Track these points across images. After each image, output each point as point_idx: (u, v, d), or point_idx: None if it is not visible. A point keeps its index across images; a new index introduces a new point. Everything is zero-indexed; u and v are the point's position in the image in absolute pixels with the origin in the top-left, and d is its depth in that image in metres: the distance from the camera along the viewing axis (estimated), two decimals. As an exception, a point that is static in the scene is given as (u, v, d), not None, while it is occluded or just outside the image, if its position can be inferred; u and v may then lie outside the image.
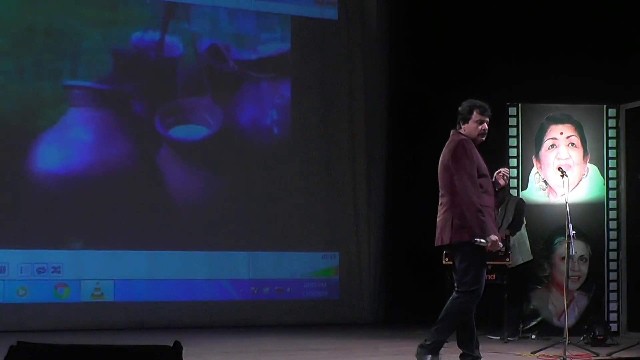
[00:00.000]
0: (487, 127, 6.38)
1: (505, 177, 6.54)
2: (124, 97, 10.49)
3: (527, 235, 9.47)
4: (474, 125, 6.35)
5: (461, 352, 6.38)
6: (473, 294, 6.24)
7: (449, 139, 6.43)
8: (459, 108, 6.44)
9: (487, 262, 8.78)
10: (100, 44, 10.38)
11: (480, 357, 6.40)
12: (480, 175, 6.26)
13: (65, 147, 10.17)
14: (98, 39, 10.37)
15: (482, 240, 6.14)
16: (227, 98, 10.98)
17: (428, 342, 6.28)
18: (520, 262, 9.37)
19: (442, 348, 6.41)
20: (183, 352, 3.81)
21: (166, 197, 10.63)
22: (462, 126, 6.39)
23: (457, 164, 6.23)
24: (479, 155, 6.37)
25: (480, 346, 6.47)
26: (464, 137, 6.35)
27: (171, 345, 3.79)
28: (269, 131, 11.19)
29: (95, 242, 10.19)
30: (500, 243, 6.23)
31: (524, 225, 9.42)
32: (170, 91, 10.74)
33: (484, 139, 6.41)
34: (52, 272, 10.02)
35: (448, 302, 6.31)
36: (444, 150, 6.40)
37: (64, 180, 10.12)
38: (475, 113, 6.35)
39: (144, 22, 10.64)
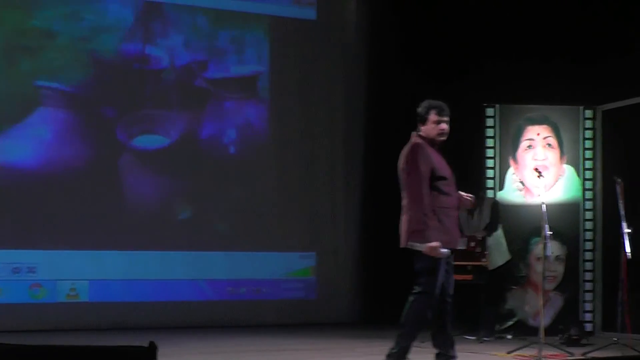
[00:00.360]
0: (445, 126, 6.37)
1: (472, 202, 6.56)
2: (95, 102, 10.45)
3: (503, 235, 9.50)
4: (432, 126, 6.36)
5: (436, 351, 6.40)
6: (425, 295, 6.25)
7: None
8: (417, 109, 6.45)
9: (465, 263, 8.91)
10: (81, 48, 10.34)
11: (455, 357, 6.41)
12: (438, 177, 6.25)
13: (34, 143, 10.10)
14: (79, 43, 10.34)
15: (416, 244, 6.17)
16: (192, 113, 10.91)
17: (394, 350, 6.31)
18: (500, 263, 9.40)
19: (420, 347, 6.41)
20: (158, 352, 3.79)
21: (141, 199, 10.57)
22: (421, 128, 6.41)
23: (408, 169, 6.28)
24: (438, 156, 6.35)
25: (456, 346, 6.47)
26: (419, 140, 6.37)
27: (146, 345, 3.78)
28: (225, 149, 11.07)
29: (70, 243, 10.13)
30: (443, 250, 6.19)
31: (500, 226, 9.46)
32: (138, 101, 10.72)
33: (443, 139, 6.40)
34: (27, 272, 9.96)
35: (406, 306, 6.33)
36: (401, 153, 6.42)
37: (34, 177, 10.03)
38: (432, 114, 6.36)
39: (124, 31, 10.60)
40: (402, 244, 6.31)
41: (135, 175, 10.63)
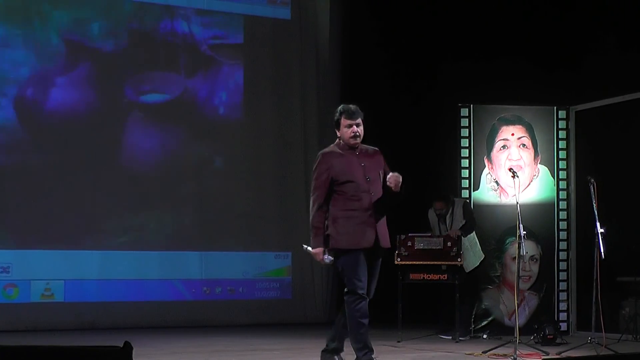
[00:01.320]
0: (357, 129, 6.37)
1: (395, 184, 6.24)
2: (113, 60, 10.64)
3: (475, 235, 9.53)
4: (345, 130, 6.42)
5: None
6: (350, 294, 6.39)
7: None
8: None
9: (440, 263, 8.92)
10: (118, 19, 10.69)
11: (332, 348, 6.64)
12: (342, 182, 6.30)
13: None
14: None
15: (308, 248, 6.49)
16: (195, 76, 11.06)
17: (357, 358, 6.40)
18: (476, 264, 9.45)
19: (396, 347, 6.44)
20: (133, 352, 3.79)
21: (118, 195, 10.55)
22: (338, 133, 6.45)
23: (312, 177, 6.42)
24: (350, 160, 6.37)
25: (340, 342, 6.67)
26: (329, 147, 6.48)
27: (121, 345, 3.77)
28: (215, 109, 11.16)
29: (45, 242, 10.08)
30: (324, 256, 6.41)
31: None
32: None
33: (357, 141, 6.42)
34: (1, 272, 9.90)
35: None
36: None
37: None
38: (343, 118, 6.42)
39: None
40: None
41: (136, 129, 10.79)
